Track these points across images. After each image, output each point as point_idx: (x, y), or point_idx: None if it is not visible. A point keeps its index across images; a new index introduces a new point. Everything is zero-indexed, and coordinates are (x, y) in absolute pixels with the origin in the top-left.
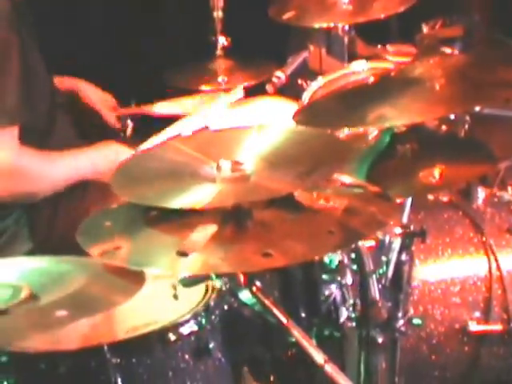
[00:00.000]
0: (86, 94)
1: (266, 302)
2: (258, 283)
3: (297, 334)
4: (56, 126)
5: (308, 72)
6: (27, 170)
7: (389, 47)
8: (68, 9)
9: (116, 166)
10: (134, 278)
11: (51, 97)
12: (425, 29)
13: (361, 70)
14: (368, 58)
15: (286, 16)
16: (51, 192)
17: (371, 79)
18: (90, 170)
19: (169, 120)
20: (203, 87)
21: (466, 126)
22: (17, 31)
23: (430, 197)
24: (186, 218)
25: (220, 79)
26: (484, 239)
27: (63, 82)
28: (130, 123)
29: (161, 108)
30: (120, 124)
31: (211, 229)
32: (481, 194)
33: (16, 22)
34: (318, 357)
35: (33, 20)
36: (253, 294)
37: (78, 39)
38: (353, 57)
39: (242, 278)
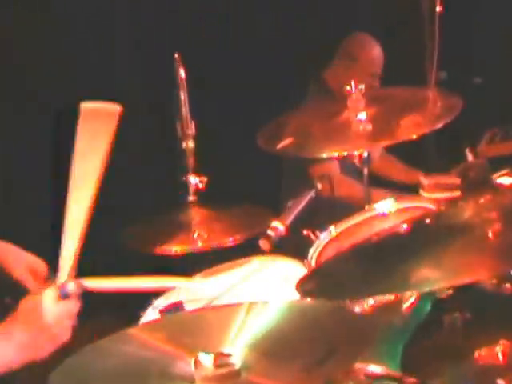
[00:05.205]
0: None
1: None
2: None
3: None
4: None
5: (315, 219)
6: None
7: (423, 179)
8: None
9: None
10: None
11: None
12: (469, 156)
13: (387, 212)
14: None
15: (282, 145)
16: None
17: (404, 227)
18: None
19: None
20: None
21: None
22: None
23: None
24: None
25: (195, 235)
26: None
27: None
28: None
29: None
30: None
31: None
32: None
33: None
34: None
35: None
36: None
37: None
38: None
39: None
